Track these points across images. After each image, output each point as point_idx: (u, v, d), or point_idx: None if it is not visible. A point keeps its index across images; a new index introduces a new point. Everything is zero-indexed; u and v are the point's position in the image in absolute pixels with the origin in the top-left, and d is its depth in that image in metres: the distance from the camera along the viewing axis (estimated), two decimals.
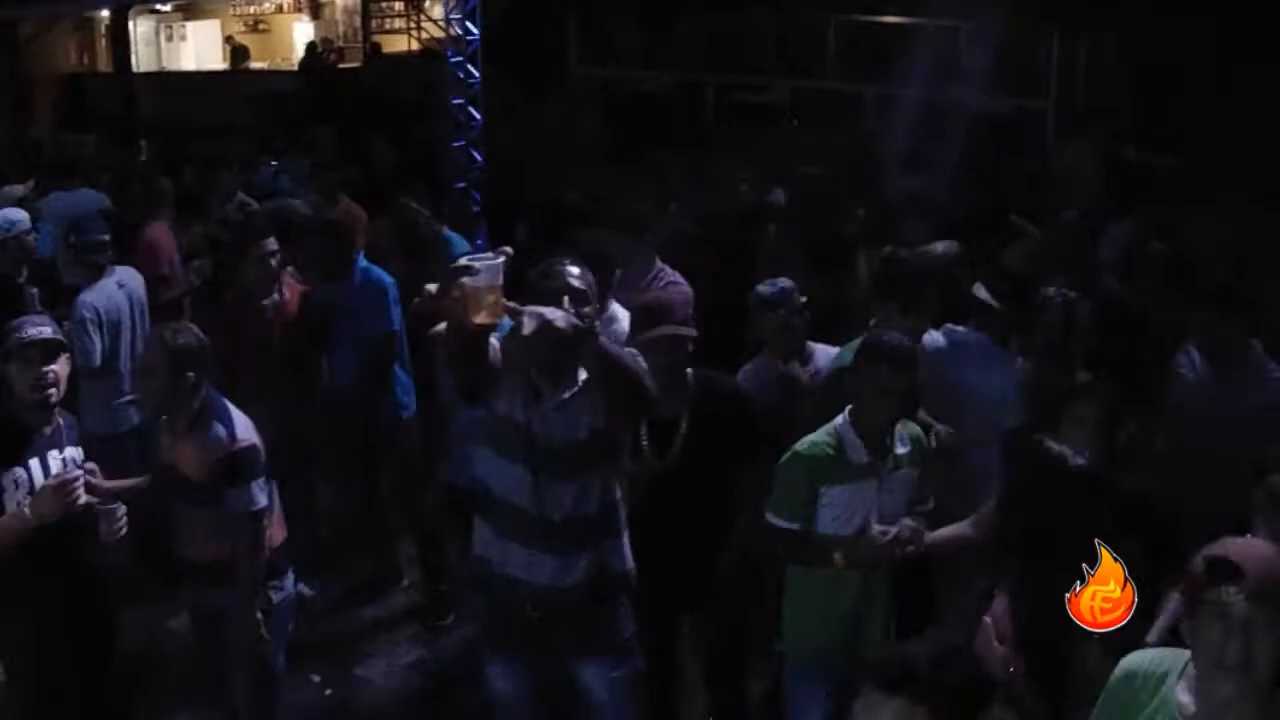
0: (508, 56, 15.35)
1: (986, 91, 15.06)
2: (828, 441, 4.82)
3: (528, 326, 3.73)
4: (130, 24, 24.02)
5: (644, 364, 4.30)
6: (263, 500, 5.10)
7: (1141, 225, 8.80)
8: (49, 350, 4.89)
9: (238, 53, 25.55)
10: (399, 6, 25.14)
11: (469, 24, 12.84)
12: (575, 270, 4.33)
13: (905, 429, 4.98)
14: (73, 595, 5.09)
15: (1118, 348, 6.75)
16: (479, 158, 12.75)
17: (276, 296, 7.09)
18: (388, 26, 25.52)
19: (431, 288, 3.82)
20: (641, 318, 5.39)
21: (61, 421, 5.05)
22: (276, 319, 7.07)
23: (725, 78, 17.99)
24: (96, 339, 7.19)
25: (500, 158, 13.07)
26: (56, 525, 4.77)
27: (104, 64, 25.33)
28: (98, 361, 7.18)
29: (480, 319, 3.74)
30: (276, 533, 5.31)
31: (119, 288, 7.50)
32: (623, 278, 6.33)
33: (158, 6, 25.32)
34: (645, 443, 5.22)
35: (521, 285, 4.16)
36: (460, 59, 12.85)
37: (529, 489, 4.38)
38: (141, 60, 24.99)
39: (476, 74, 12.84)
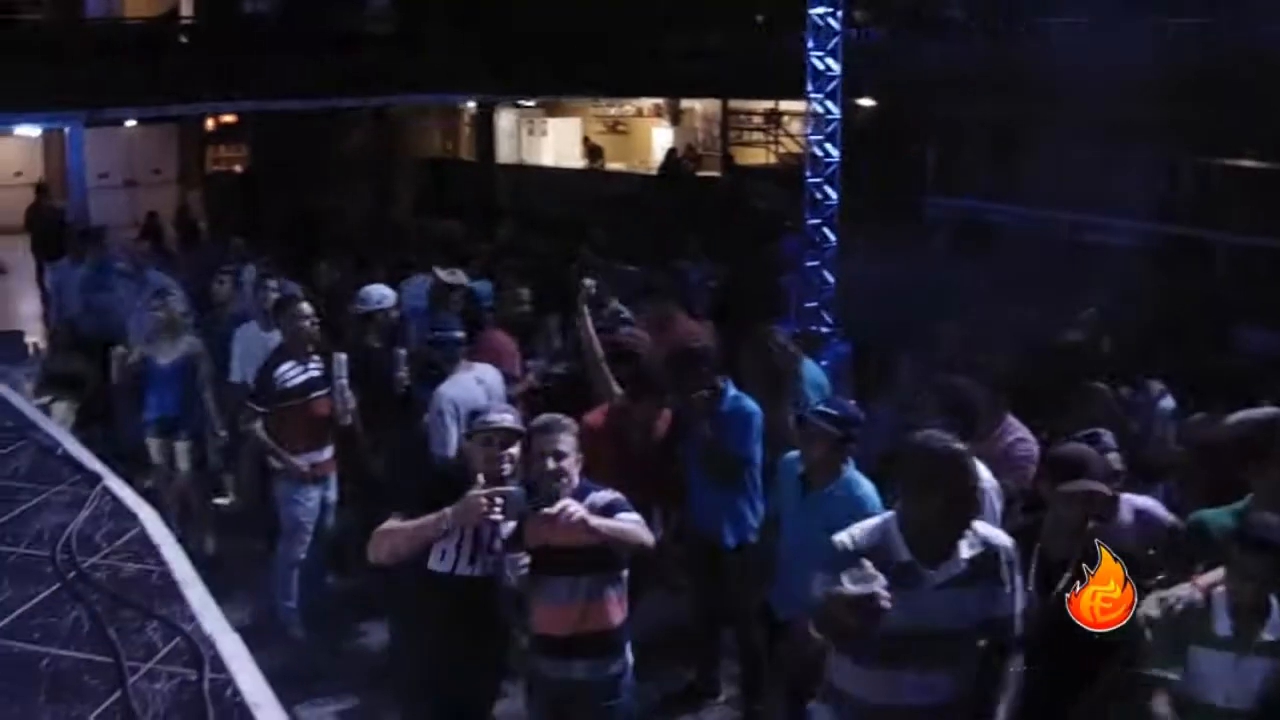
0: (862, 180, 15.31)
1: None
2: (1198, 600, 4.76)
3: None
4: (494, 116, 25.01)
5: None
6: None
7: None
8: (508, 437, 5.34)
9: (594, 152, 26.31)
10: (758, 120, 25.42)
11: (829, 145, 12.82)
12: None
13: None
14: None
15: None
16: (831, 279, 12.69)
17: None
18: (746, 139, 25.81)
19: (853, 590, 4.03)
20: (1059, 469, 5.31)
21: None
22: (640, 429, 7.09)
23: (1077, 216, 17.55)
24: (453, 429, 7.35)
25: (851, 282, 12.95)
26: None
27: (466, 152, 26.40)
28: (452, 452, 7.31)
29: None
30: (619, 611, 5.46)
31: (477, 383, 7.70)
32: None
33: (521, 101, 26.25)
34: (1032, 585, 5.10)
35: None
36: (818, 180, 12.83)
37: None
38: (502, 151, 25.95)
39: (834, 195, 12.80)
